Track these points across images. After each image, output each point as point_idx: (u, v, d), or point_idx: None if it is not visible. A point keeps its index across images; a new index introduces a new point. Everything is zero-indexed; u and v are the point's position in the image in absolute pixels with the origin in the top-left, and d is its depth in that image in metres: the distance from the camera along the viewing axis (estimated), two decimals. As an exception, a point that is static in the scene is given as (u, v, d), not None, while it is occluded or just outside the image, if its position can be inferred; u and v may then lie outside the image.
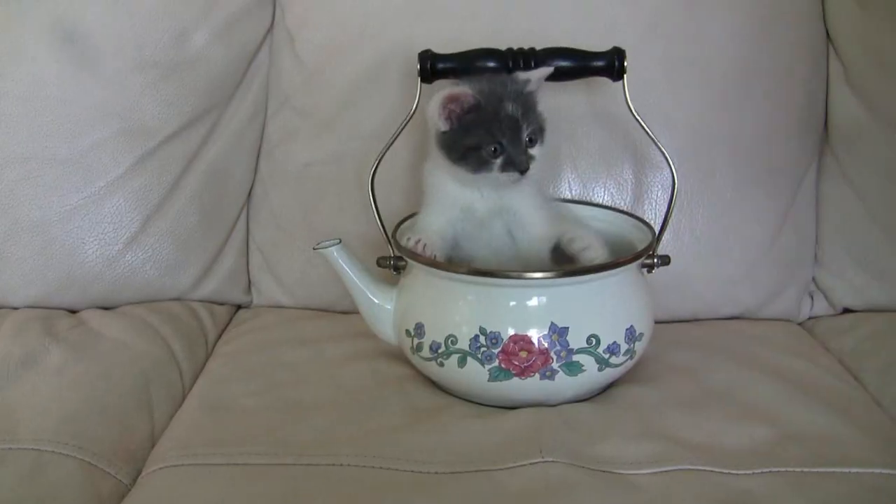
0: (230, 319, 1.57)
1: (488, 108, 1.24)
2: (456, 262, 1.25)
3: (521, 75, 1.28)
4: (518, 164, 1.23)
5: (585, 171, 1.48)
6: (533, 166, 1.25)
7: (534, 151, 1.26)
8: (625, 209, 1.44)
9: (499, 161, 1.23)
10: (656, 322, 1.29)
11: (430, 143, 1.29)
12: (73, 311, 1.51)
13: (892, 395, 1.28)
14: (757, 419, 1.19)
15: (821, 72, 1.54)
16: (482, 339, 1.17)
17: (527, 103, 1.26)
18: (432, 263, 1.22)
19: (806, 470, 1.09)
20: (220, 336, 1.51)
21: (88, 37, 1.47)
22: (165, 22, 1.50)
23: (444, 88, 1.24)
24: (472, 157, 1.24)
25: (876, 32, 1.49)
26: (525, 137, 1.25)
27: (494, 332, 1.16)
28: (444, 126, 1.25)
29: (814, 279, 1.56)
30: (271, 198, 1.57)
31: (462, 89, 1.24)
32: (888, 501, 1.05)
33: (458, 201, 1.29)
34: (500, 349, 1.16)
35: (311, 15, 1.53)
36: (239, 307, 1.62)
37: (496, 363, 1.17)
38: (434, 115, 1.25)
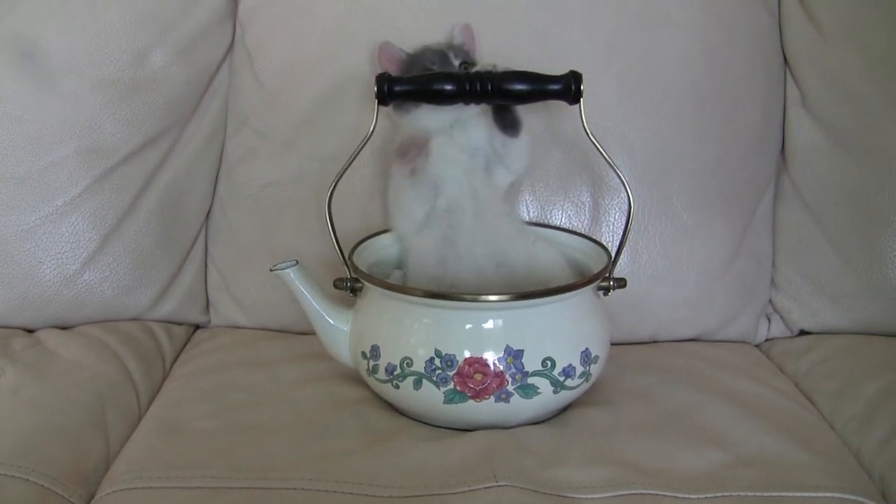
0: (188, 340, 1.56)
1: (418, 53, 1.36)
2: (410, 286, 1.24)
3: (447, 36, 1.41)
4: None
5: (543, 193, 1.48)
6: None
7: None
8: (582, 231, 1.45)
9: None
10: (614, 343, 1.29)
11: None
12: (30, 331, 1.50)
13: (845, 418, 1.30)
14: (711, 443, 1.19)
15: (778, 95, 1.56)
16: (437, 361, 1.17)
17: (455, 48, 1.38)
18: (388, 286, 1.22)
19: (758, 494, 1.09)
20: (177, 357, 1.50)
21: (47, 55, 1.47)
22: (124, 41, 1.49)
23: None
24: None
25: (832, 56, 1.51)
26: (457, 64, 1.34)
27: (450, 355, 1.16)
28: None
29: (770, 302, 1.57)
30: (230, 218, 1.56)
31: (388, 43, 1.37)
32: None
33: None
34: (455, 371, 1.16)
35: (270, 36, 1.53)
36: (197, 327, 1.61)
37: (451, 385, 1.17)
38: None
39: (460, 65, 1.35)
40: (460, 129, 1.34)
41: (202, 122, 1.57)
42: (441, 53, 1.36)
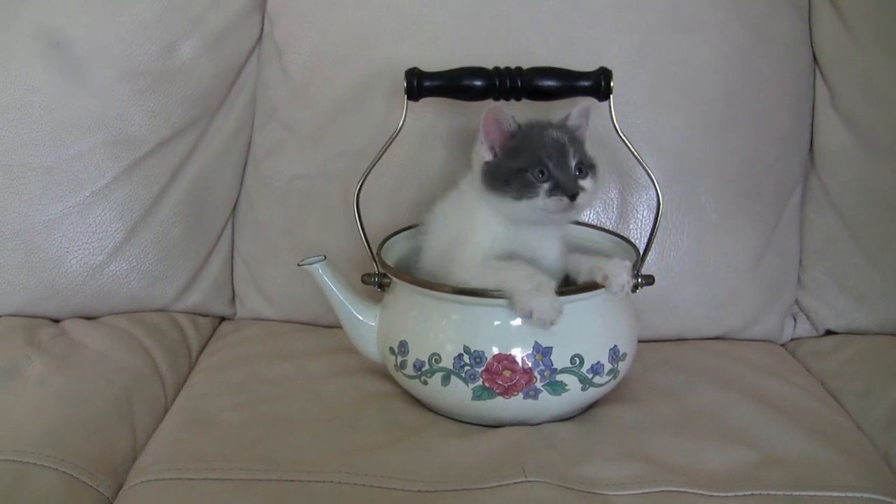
0: (214, 331, 1.57)
1: (531, 133, 1.23)
2: (440, 282, 1.24)
3: (561, 113, 1.26)
4: (566, 188, 1.18)
5: (572, 191, 1.48)
6: (583, 196, 1.20)
7: (584, 183, 1.21)
8: (610, 228, 1.45)
9: (546, 185, 1.19)
10: (641, 341, 1.30)
11: (472, 185, 1.27)
12: (56, 320, 1.50)
13: (873, 418, 1.30)
14: (738, 441, 1.19)
15: (807, 96, 1.55)
16: (466, 357, 1.17)
17: (572, 135, 1.24)
18: (417, 282, 1.22)
19: (787, 493, 1.10)
20: (203, 348, 1.51)
21: (76, 45, 1.47)
22: (154, 32, 1.50)
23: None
24: (517, 181, 1.20)
25: (862, 57, 1.51)
26: (573, 164, 1.21)
27: (478, 351, 1.16)
28: (487, 155, 1.23)
29: (797, 301, 1.57)
30: (257, 211, 1.57)
31: (499, 107, 1.21)
32: None
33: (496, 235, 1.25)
34: (483, 368, 1.16)
35: (299, 30, 1.53)
36: (223, 319, 1.62)
37: (480, 382, 1.17)
38: (477, 144, 1.24)
39: (578, 164, 1.21)
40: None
41: (230, 114, 1.57)
42: (560, 146, 1.21)
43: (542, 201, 1.19)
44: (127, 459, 1.20)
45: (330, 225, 1.50)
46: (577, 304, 1.19)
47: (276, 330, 1.53)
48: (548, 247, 1.26)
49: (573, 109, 1.25)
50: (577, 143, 1.23)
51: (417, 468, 1.11)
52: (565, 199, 1.18)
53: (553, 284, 1.15)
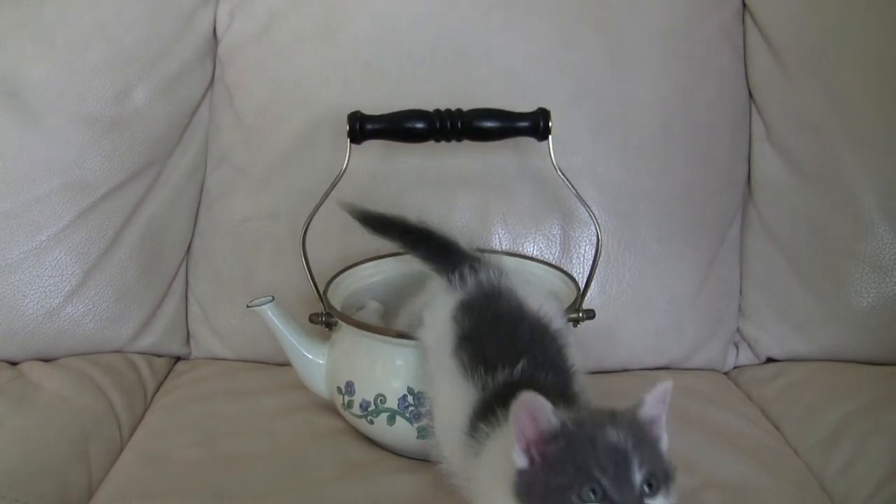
0: (169, 371, 1.58)
1: (581, 434, 0.86)
2: (386, 325, 1.26)
3: (634, 405, 0.91)
4: None
5: (515, 226, 1.51)
6: None
7: (656, 503, 0.86)
8: (552, 262, 1.47)
9: None
10: (585, 373, 1.32)
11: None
12: (13, 363, 1.51)
13: (809, 442, 1.33)
14: (679, 467, 1.21)
15: (744, 130, 1.59)
16: (410, 398, 1.20)
17: (640, 434, 0.88)
18: (361, 325, 1.24)
19: (722, 519, 1.12)
20: (158, 388, 1.52)
21: (31, 93, 1.49)
22: (107, 78, 1.52)
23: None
24: (557, 502, 0.85)
25: (795, 92, 1.55)
26: (639, 479, 0.85)
27: (422, 392, 1.19)
28: (521, 461, 0.87)
29: (738, 330, 1.60)
30: (210, 252, 1.59)
31: (535, 397, 0.86)
32: None
33: None
34: (427, 408, 1.18)
35: (250, 75, 1.56)
36: (178, 359, 1.63)
37: (425, 422, 1.19)
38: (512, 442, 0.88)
39: (647, 476, 0.85)
40: None
41: (183, 157, 1.59)
42: (620, 453, 0.85)
43: None
44: (82, 498, 1.22)
45: (281, 265, 1.52)
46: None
47: (230, 368, 1.54)
48: None
49: (649, 395, 0.91)
50: (648, 445, 0.88)
51: (364, 502, 1.14)
52: None
53: None
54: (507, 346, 1.04)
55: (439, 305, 1.15)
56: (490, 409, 0.98)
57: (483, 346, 0.99)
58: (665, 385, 0.91)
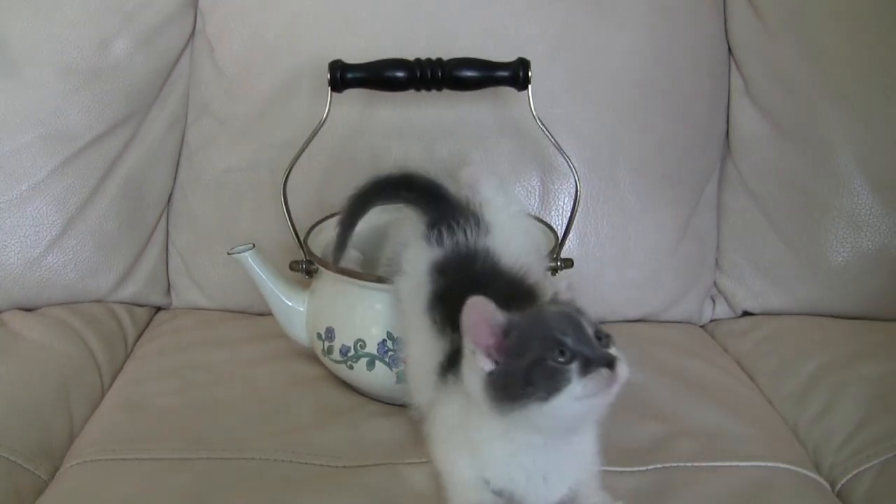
0: (149, 321, 1.60)
1: (530, 318, 0.97)
2: (365, 271, 1.27)
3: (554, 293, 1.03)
4: (599, 358, 0.93)
5: (495, 178, 1.52)
6: (622, 366, 0.94)
7: (613, 351, 0.96)
8: (531, 213, 1.47)
9: (574, 365, 0.92)
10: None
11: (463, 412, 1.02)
12: (-5, 313, 1.53)
13: (783, 393, 1.36)
14: (653, 417, 1.24)
15: (722, 85, 1.61)
16: (390, 343, 1.21)
17: (572, 306, 0.99)
18: (342, 271, 1.24)
19: (695, 464, 1.15)
20: (139, 337, 1.54)
21: (10, 44, 1.50)
22: (87, 29, 1.52)
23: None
24: (539, 376, 0.92)
25: (774, 48, 1.56)
26: (591, 332, 0.96)
27: (402, 337, 1.20)
28: (486, 364, 0.95)
29: (715, 284, 1.62)
30: (190, 203, 1.60)
31: (482, 299, 0.95)
32: (773, 493, 1.12)
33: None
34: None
35: (230, 26, 1.56)
36: (158, 309, 1.64)
37: (403, 367, 1.20)
38: (466, 356, 0.98)
39: (595, 333, 0.96)
40: None
41: (164, 109, 1.60)
42: (568, 317, 0.96)
43: (580, 386, 0.92)
44: (64, 444, 1.24)
45: (261, 215, 1.53)
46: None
47: (210, 318, 1.56)
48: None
49: (556, 290, 1.03)
50: (583, 313, 0.98)
51: (343, 445, 1.16)
52: (604, 371, 0.92)
53: None
54: None
55: (417, 259, 1.16)
56: (458, 360, 1.02)
57: (455, 309, 0.99)
58: (566, 281, 1.03)
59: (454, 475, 1.04)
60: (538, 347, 0.93)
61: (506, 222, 1.18)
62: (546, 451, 1.00)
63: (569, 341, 0.93)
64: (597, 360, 0.92)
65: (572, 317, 0.96)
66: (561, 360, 0.92)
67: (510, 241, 1.16)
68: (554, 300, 1.01)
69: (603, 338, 0.96)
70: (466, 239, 1.14)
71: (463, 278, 1.09)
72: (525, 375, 0.93)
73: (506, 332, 0.95)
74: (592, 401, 0.93)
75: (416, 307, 1.12)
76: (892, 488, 1.14)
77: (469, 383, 0.98)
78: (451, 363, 1.04)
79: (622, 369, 0.93)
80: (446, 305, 1.07)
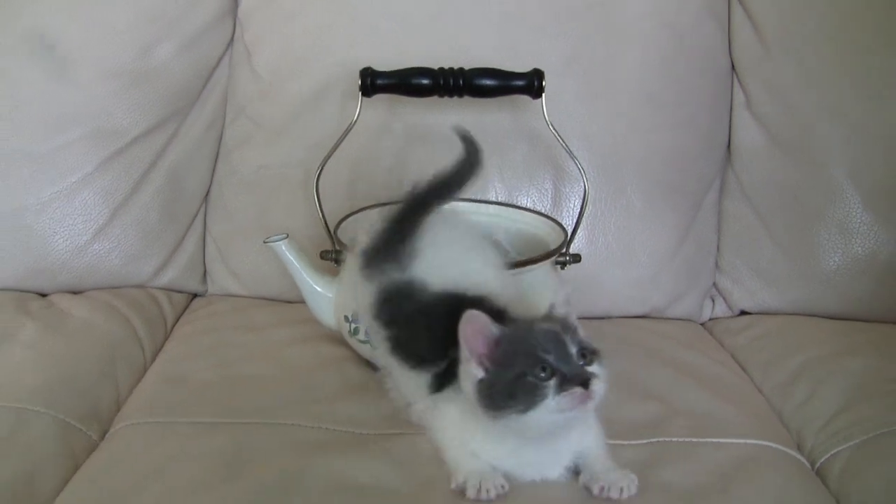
0: (187, 306, 1.69)
1: (519, 332, 1.06)
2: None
3: (549, 307, 1.11)
4: (575, 376, 1.01)
5: (510, 180, 1.62)
6: (597, 384, 1.02)
7: (593, 369, 1.04)
8: (544, 213, 1.55)
9: (552, 382, 1.01)
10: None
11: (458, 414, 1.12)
12: (44, 295, 1.62)
13: (772, 383, 1.45)
14: (650, 398, 1.33)
15: (725, 99, 1.69)
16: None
17: (564, 324, 1.07)
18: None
19: (687, 440, 1.23)
20: (177, 320, 1.63)
21: (65, 47, 1.60)
22: (132, 36, 1.62)
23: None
24: (520, 390, 1.01)
25: (774, 67, 1.65)
26: (575, 353, 1.03)
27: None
28: (478, 372, 1.05)
29: (714, 284, 1.71)
30: (227, 197, 1.68)
31: (476, 313, 1.04)
32: (757, 466, 1.19)
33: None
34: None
35: (266, 35, 1.66)
36: (195, 295, 1.73)
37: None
38: (463, 363, 1.07)
39: (580, 350, 1.04)
40: None
41: (203, 110, 1.70)
42: (553, 335, 1.04)
43: (555, 401, 1.01)
44: (112, 410, 1.33)
45: (292, 210, 1.61)
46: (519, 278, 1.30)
47: (244, 305, 1.64)
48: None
49: (555, 300, 1.11)
50: (572, 331, 1.06)
51: (365, 416, 1.24)
52: (578, 390, 1.01)
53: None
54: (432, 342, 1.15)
55: (364, 294, 1.23)
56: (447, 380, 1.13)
57: (411, 346, 1.16)
58: (566, 291, 1.12)
59: (455, 450, 1.13)
60: (522, 362, 1.02)
61: None
62: (540, 442, 1.09)
63: (550, 358, 1.02)
64: (573, 377, 1.01)
65: (558, 334, 1.04)
66: (542, 375, 1.01)
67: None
68: (548, 315, 1.10)
69: (588, 354, 1.04)
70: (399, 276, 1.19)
71: (406, 313, 1.18)
72: (508, 388, 1.02)
73: (497, 342, 1.05)
74: (567, 414, 1.02)
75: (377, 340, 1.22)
76: (865, 467, 1.21)
77: (464, 386, 1.07)
78: (448, 373, 1.12)
79: (598, 387, 1.02)
80: (403, 346, 1.18)
